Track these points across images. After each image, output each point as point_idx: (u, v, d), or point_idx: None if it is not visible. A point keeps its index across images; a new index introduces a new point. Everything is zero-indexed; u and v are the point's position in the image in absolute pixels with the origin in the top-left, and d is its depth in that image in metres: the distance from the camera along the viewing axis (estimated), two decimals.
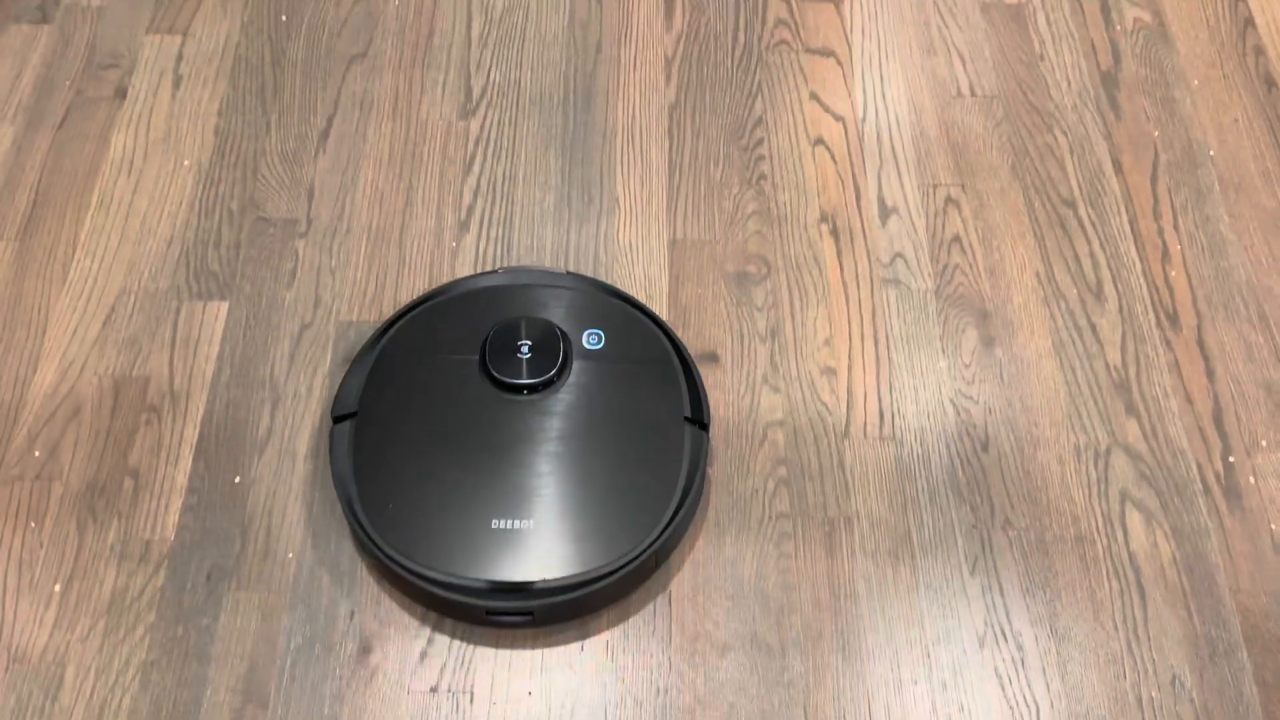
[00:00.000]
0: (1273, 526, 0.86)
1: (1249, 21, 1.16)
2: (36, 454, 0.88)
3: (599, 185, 1.04)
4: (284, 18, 1.14)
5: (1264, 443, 0.90)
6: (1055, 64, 1.13)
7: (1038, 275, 0.99)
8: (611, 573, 0.78)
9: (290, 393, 0.91)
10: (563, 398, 0.86)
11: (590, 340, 0.88)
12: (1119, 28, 1.16)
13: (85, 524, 0.85)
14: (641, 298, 0.97)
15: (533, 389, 0.85)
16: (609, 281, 0.97)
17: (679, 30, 1.15)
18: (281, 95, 1.09)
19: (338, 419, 0.86)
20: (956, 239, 1.01)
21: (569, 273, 0.95)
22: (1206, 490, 0.88)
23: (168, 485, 0.87)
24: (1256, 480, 0.88)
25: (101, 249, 0.99)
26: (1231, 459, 0.89)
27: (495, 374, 0.85)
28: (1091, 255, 1.00)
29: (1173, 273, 0.99)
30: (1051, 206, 1.03)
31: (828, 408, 0.92)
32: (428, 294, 0.93)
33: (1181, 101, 1.10)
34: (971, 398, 0.93)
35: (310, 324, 0.95)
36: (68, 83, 1.09)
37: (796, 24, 1.15)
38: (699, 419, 0.86)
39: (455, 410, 0.85)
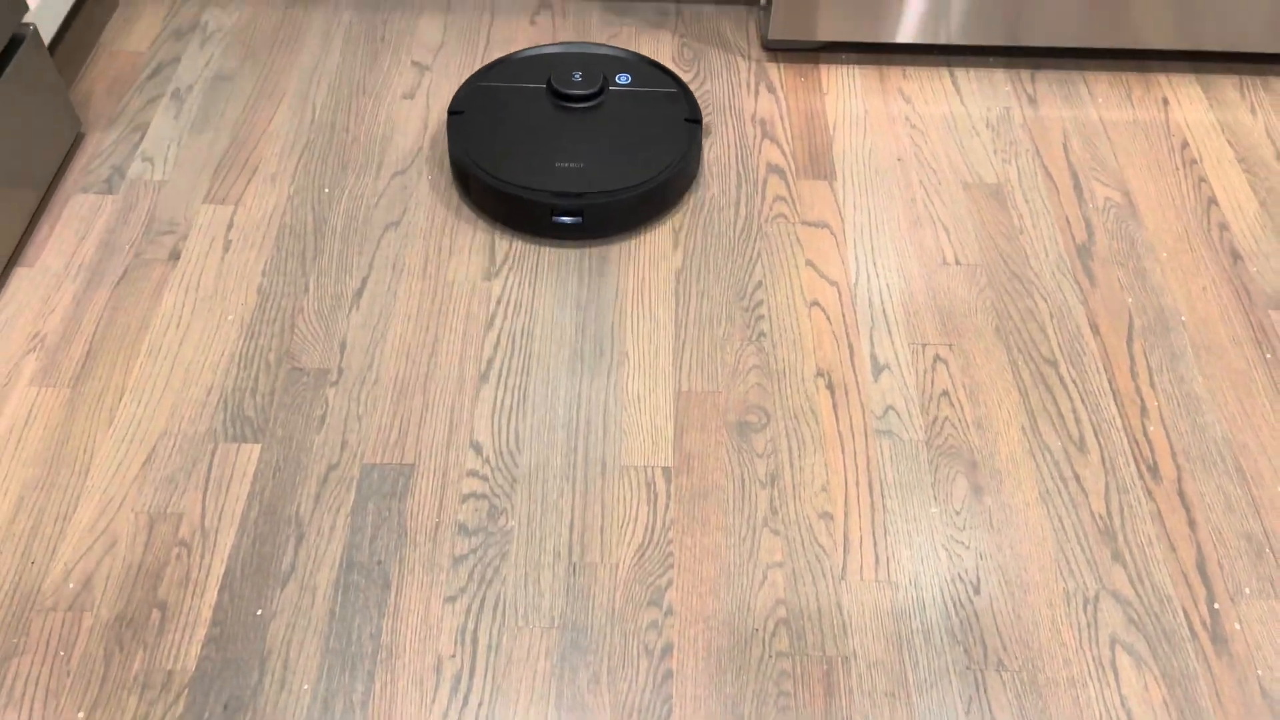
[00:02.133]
0: (1259, 672, 0.88)
1: (1212, 200, 1.26)
2: (71, 585, 0.92)
3: (610, 340, 1.12)
4: (327, 189, 1.26)
5: (1247, 590, 0.93)
6: (1033, 236, 1.22)
7: (1023, 428, 1.05)
8: (637, 186, 1.19)
9: (314, 530, 0.96)
10: (603, 108, 1.27)
11: (621, 79, 1.31)
12: (1091, 205, 1.26)
13: (112, 654, 0.88)
14: (648, 446, 1.03)
15: (582, 100, 1.27)
16: (619, 432, 1.03)
17: (686, 204, 1.25)
18: (320, 258, 1.19)
19: (453, 113, 1.27)
20: (945, 394, 1.08)
21: (610, 44, 1.41)
22: (1194, 636, 0.91)
23: (193, 617, 0.91)
24: (1241, 627, 0.91)
25: (147, 395, 1.06)
26: (1217, 605, 0.92)
27: (557, 90, 1.27)
28: (1074, 410, 1.06)
29: (1151, 428, 1.05)
30: (1034, 365, 1.10)
31: (825, 551, 0.96)
32: (504, 56, 1.34)
33: (1152, 271, 1.19)
34: (963, 543, 0.97)
35: (336, 465, 1.01)
36: (127, 246, 1.19)
37: (793, 199, 1.26)
38: (695, 119, 1.27)
39: (530, 112, 1.27)
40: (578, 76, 1.27)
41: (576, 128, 1.25)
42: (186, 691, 0.86)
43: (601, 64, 1.32)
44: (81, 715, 0.85)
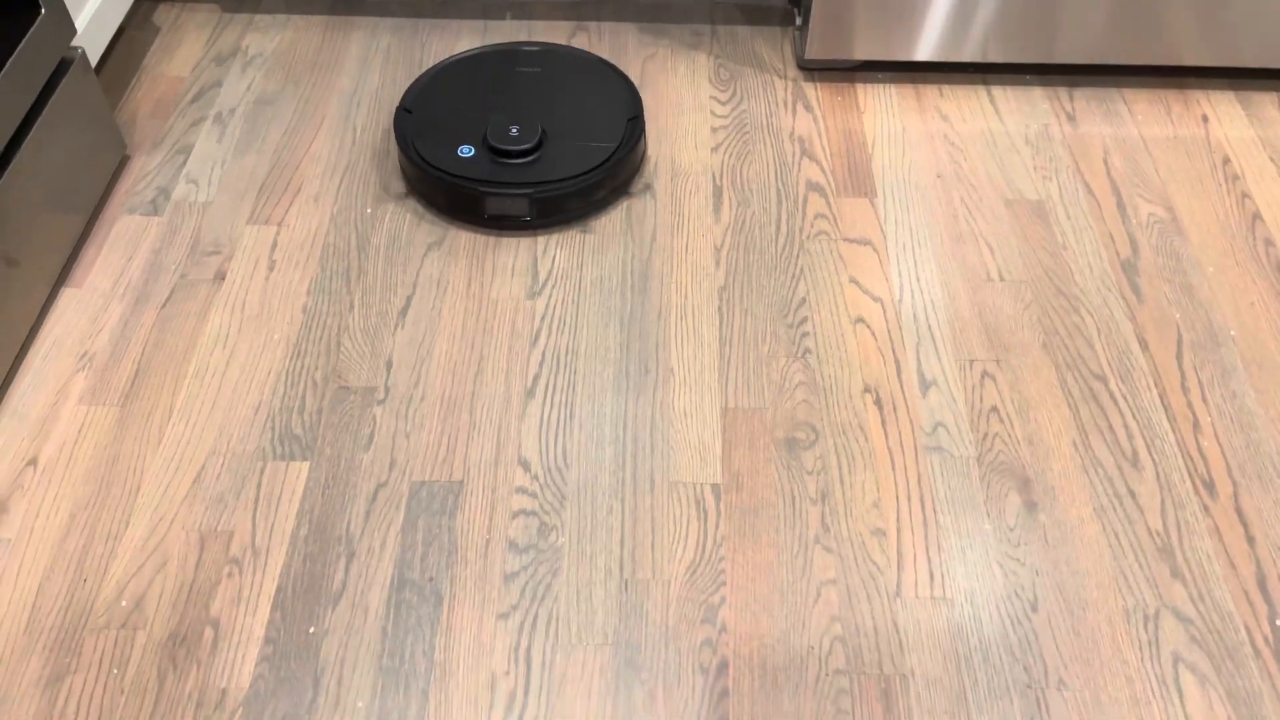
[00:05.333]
0: None
1: (1256, 216, 1.26)
2: (123, 604, 0.92)
3: (655, 358, 1.12)
4: (369, 210, 1.26)
5: None
6: (1077, 252, 1.22)
7: (1074, 444, 1.04)
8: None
9: (365, 548, 0.96)
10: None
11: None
12: (1134, 221, 1.25)
13: (165, 672, 0.88)
14: (696, 463, 1.03)
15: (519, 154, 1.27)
16: (666, 449, 1.03)
17: (727, 222, 1.25)
18: (364, 277, 1.19)
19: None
20: (994, 409, 1.07)
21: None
22: (1257, 653, 0.89)
23: (246, 635, 0.90)
24: None
25: (195, 414, 1.06)
26: (1279, 622, 0.91)
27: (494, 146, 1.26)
28: (1125, 426, 1.05)
29: (1205, 443, 1.04)
30: (1083, 380, 1.09)
31: (879, 567, 0.95)
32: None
33: (1199, 286, 1.18)
34: (1019, 560, 0.96)
35: (385, 484, 1.01)
36: (173, 267, 1.20)
37: (834, 217, 1.26)
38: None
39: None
40: (514, 131, 1.25)
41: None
42: (241, 709, 0.86)
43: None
44: None
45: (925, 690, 0.87)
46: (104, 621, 0.91)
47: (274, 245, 1.22)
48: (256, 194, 1.28)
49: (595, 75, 1.36)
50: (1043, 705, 0.86)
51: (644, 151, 1.31)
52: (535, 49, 1.39)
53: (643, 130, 1.28)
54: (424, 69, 1.44)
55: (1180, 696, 0.87)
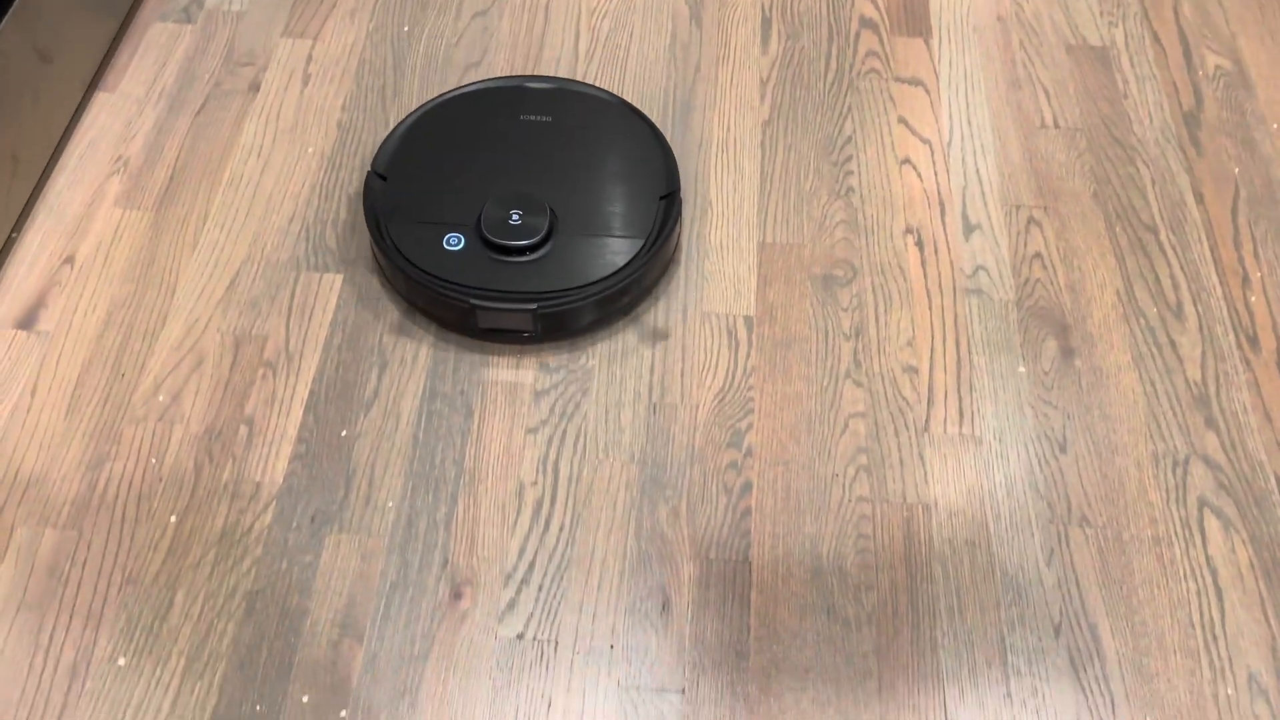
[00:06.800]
0: None
1: None
2: (161, 399, 0.94)
3: (693, 189, 1.09)
4: (406, 28, 1.23)
5: None
6: (1138, 102, 1.17)
7: (1118, 293, 1.02)
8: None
9: (397, 359, 0.97)
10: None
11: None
12: (1200, 72, 1.20)
13: (202, 464, 0.90)
14: (730, 295, 1.02)
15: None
16: (700, 279, 1.02)
17: (774, 55, 1.21)
18: (400, 96, 1.17)
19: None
20: (1038, 255, 1.05)
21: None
22: None
23: (279, 434, 0.92)
24: None
25: (229, 222, 1.06)
26: None
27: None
28: (1172, 277, 1.03)
29: (1253, 298, 1.01)
30: (1133, 231, 1.06)
31: (909, 403, 0.95)
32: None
33: (1262, 142, 1.13)
34: (1051, 403, 0.95)
35: None
36: (207, 75, 1.18)
37: (886, 55, 1.21)
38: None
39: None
40: (515, 218, 0.97)
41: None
42: (275, 502, 0.88)
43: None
44: (174, 518, 0.87)
45: (947, 519, 0.88)
46: (142, 414, 0.93)
47: (309, 59, 1.20)
48: (291, 6, 1.24)
49: (620, 130, 1.07)
50: (1063, 540, 0.87)
51: (679, 239, 1.03)
52: (545, 87, 1.10)
53: (679, 214, 1.01)
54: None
55: (1203, 539, 0.87)
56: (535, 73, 1.18)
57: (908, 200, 1.09)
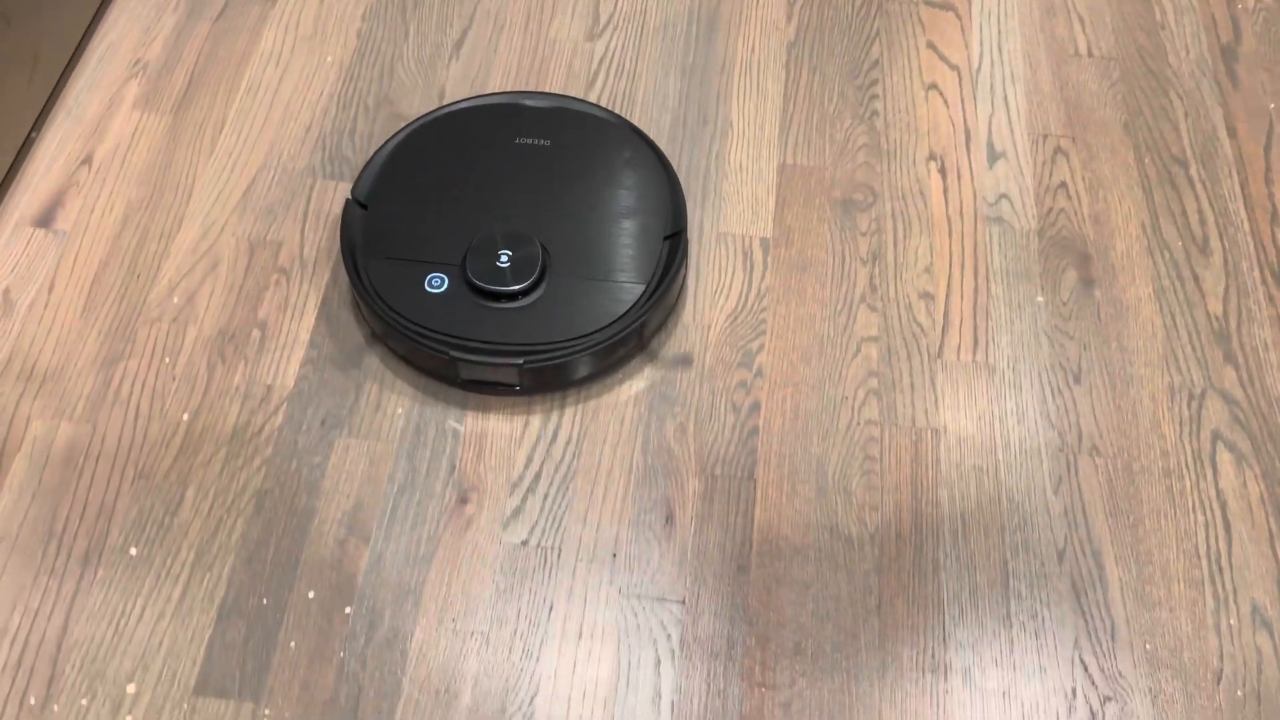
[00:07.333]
0: None
1: None
2: (175, 300, 0.94)
3: (714, 110, 1.08)
4: None
5: None
6: (1175, 33, 1.14)
7: (1143, 225, 1.00)
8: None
9: None
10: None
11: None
12: (1240, 6, 1.16)
13: (215, 365, 0.91)
14: (748, 216, 1.00)
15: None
16: (718, 199, 1.01)
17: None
18: (420, 7, 1.15)
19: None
20: (1063, 185, 1.03)
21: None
22: None
23: (291, 339, 0.92)
24: None
25: (247, 128, 1.05)
26: None
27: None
28: (1199, 211, 1.01)
29: None
30: (1162, 164, 1.04)
31: (923, 329, 0.94)
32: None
33: None
34: (1067, 333, 0.94)
35: None
36: None
37: None
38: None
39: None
40: (504, 259, 0.89)
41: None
42: (286, 404, 0.89)
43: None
44: (186, 417, 0.88)
45: (955, 444, 0.88)
46: (156, 314, 0.93)
47: None
48: None
49: (623, 159, 0.97)
50: (1072, 468, 0.86)
51: (683, 283, 0.95)
52: (542, 106, 1.01)
53: (684, 256, 0.92)
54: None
55: (1214, 472, 0.86)
56: None
57: (932, 126, 1.07)
